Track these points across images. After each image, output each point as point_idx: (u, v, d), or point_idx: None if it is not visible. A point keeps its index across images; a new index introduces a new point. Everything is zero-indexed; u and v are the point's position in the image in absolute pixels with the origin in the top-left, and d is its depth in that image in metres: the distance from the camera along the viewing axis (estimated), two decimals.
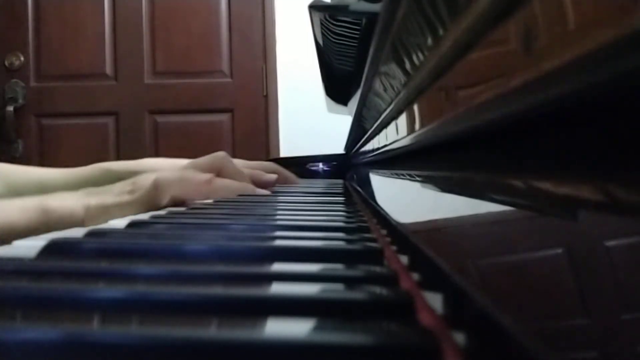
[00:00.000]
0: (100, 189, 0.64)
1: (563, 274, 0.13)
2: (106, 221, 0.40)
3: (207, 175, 0.62)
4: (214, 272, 0.22)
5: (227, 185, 0.64)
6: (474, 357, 0.14)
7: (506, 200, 0.18)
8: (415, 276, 0.22)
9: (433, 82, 0.25)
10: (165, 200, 0.57)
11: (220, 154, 0.68)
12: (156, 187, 0.58)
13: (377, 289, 0.20)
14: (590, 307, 0.11)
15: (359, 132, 0.90)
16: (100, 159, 2.42)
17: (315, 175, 1.30)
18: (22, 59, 2.21)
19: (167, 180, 0.58)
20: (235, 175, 0.67)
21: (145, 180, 0.61)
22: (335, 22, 0.75)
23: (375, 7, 0.45)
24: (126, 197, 0.59)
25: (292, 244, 0.29)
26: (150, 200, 0.58)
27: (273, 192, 0.72)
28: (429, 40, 0.24)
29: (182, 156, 0.69)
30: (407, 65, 0.31)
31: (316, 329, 0.15)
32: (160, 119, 2.23)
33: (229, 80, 2.25)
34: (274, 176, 0.75)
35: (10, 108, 2.16)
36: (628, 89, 0.11)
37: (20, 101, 2.19)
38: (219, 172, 0.65)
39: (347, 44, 0.77)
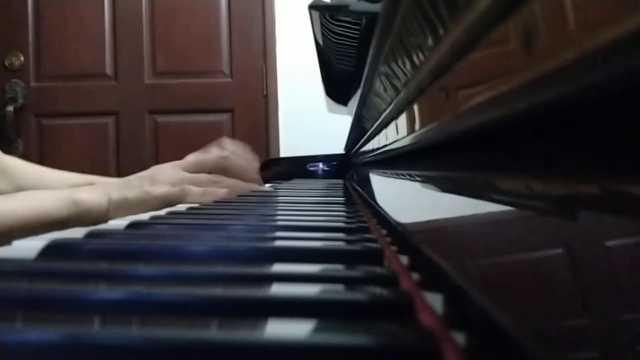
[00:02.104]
0: (118, 181, 0.66)
1: (563, 274, 0.13)
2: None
3: (217, 177, 0.66)
4: (214, 273, 0.22)
5: (235, 185, 0.66)
6: (474, 357, 0.14)
7: (506, 200, 0.18)
8: (415, 276, 0.22)
9: (433, 82, 0.25)
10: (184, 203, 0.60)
11: (224, 153, 0.70)
12: (184, 194, 0.61)
13: (378, 290, 0.20)
14: (590, 307, 0.11)
15: (359, 132, 0.90)
16: (100, 159, 2.39)
17: (315, 175, 1.30)
18: (22, 59, 2.21)
19: (192, 193, 0.61)
20: (243, 173, 0.70)
21: (163, 175, 0.64)
22: (335, 22, 0.75)
23: (375, 7, 0.45)
24: (147, 192, 0.61)
25: (292, 245, 0.28)
26: (172, 201, 0.60)
27: (274, 190, 0.73)
28: (429, 40, 0.24)
29: (183, 156, 0.70)
30: (407, 65, 0.31)
31: (316, 330, 0.15)
32: (160, 119, 2.23)
33: (229, 80, 2.25)
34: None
35: (10, 108, 2.16)
36: (628, 88, 0.11)
37: (20, 101, 2.19)
38: (225, 172, 0.68)
39: (347, 44, 0.77)
